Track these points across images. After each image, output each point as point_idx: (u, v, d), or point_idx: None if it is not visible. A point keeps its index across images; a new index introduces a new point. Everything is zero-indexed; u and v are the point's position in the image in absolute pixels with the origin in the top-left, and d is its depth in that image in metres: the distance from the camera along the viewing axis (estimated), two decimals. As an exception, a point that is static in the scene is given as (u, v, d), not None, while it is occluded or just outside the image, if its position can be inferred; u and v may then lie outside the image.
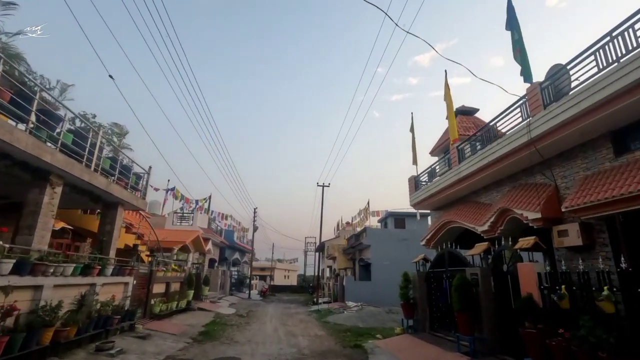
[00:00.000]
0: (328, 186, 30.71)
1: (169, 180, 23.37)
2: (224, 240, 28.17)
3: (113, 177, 9.26)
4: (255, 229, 30.80)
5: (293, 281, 72.16)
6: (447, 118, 10.35)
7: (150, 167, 11.32)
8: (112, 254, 9.70)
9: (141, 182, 11.00)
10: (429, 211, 26.84)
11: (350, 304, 20.12)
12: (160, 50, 29.20)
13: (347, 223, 48.56)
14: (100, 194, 8.85)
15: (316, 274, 51.61)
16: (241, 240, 34.13)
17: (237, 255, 31.66)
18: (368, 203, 24.30)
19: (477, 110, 12.28)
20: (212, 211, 31.42)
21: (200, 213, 24.53)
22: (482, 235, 8.47)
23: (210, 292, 23.51)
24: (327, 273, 51.69)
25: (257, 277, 50.41)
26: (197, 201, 24.99)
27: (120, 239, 11.94)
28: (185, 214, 22.47)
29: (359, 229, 27.56)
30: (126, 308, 9.84)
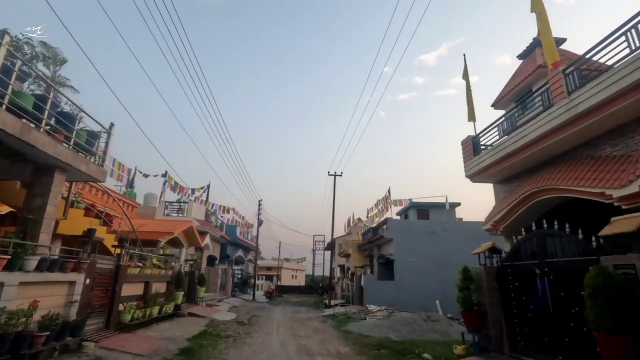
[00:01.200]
0: (340, 175, 27.60)
1: (166, 172, 20.43)
2: (225, 236, 25.15)
3: (40, 126, 6.18)
4: (260, 223, 27.79)
5: (301, 281, 69.02)
6: (538, 37, 7.20)
7: (112, 125, 8.24)
8: (47, 239, 6.64)
9: (97, 143, 7.91)
10: (458, 201, 23.57)
11: (371, 307, 16.90)
12: (161, 31, 26.36)
13: (359, 219, 45.40)
14: (13, 144, 5.78)
15: (328, 273, 48.41)
16: (245, 236, 31.11)
17: (240, 253, 28.65)
18: (389, 191, 21.09)
19: (564, 40, 9.03)
20: (213, 204, 28.47)
21: (200, 203, 21.54)
22: (615, 204, 5.23)
23: (208, 293, 20.48)
24: (338, 273, 48.52)
25: (263, 277, 47.38)
26: (193, 190, 21.99)
27: (77, 223, 8.92)
28: (181, 203, 19.48)
29: (376, 222, 24.33)
30: (70, 319, 6.79)
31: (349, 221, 48.67)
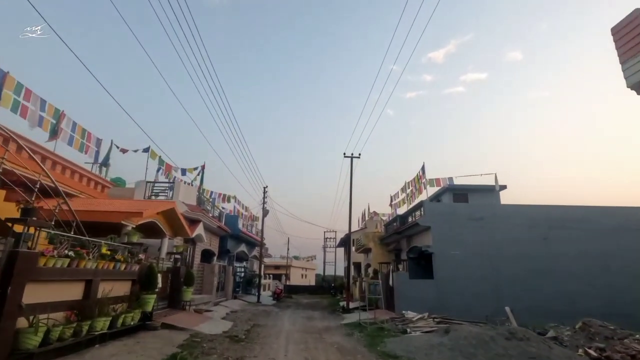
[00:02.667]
0: (358, 157, 23.59)
1: (148, 147, 16.72)
2: (224, 227, 21.40)
3: None
4: (265, 212, 24.01)
5: (311, 281, 65.18)
6: None
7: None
8: None
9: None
10: (503, 184, 19.28)
11: (409, 314, 12.90)
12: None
13: (374, 212, 41.42)
14: None
15: (341, 271, 44.48)
16: (248, 229, 27.35)
17: (243, 248, 24.91)
18: (423, 169, 17.01)
19: None
20: (212, 192, 24.81)
21: (191, 184, 17.80)
22: None
23: (201, 295, 16.73)
24: (352, 271, 44.50)
25: (271, 276, 43.64)
26: (183, 170, 18.26)
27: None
28: (170, 184, 15.69)
29: (402, 209, 20.30)
30: None
31: (363, 215, 44.66)
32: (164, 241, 13.61)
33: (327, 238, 57.12)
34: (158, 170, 17.79)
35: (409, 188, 19.27)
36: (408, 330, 10.89)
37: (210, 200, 22.78)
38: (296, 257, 63.80)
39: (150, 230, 12.72)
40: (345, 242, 43.68)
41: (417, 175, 17.47)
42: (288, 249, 53.51)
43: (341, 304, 27.31)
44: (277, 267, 57.68)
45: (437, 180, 16.64)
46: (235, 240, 24.67)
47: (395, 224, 20.98)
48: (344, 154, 23.84)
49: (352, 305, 23.52)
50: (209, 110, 16.27)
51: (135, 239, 10.11)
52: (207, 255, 20.20)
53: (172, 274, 13.12)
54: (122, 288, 8.95)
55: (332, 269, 61.59)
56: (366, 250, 24.99)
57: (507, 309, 11.55)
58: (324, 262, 56.63)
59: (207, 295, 17.22)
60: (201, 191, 19.21)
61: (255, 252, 30.52)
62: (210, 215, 19.79)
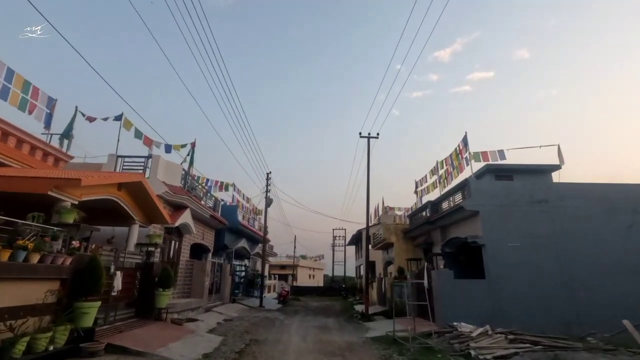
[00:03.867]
0: (377, 137, 20.22)
1: (121, 114, 13.46)
2: (220, 218, 18.12)
3: None
4: (268, 202, 20.66)
5: (319, 281, 61.79)
6: None
7: None
8: None
9: None
10: (556, 163, 15.63)
11: (465, 328, 9.43)
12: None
13: (389, 207, 37.95)
14: None
15: (352, 271, 41.01)
16: (250, 222, 24.06)
17: (243, 244, 21.62)
18: (465, 140, 13.42)
19: None
20: (208, 179, 21.58)
21: (183, 162, 14.50)
22: None
23: (189, 298, 13.47)
24: (362, 271, 40.95)
25: (276, 276, 40.33)
26: (168, 146, 15.00)
27: None
28: (146, 159, 12.38)
29: (431, 195, 16.78)
30: None
31: (376, 210, 41.18)
32: (132, 229, 10.34)
33: (336, 236, 53.74)
34: (155, 149, 14.49)
35: (442, 168, 15.75)
36: (472, 352, 7.43)
37: (205, 187, 19.54)
38: (303, 257, 60.46)
39: (112, 213, 9.47)
40: (358, 239, 40.12)
41: (456, 149, 13.93)
42: (295, 247, 50.16)
43: (356, 307, 23.90)
44: (283, 266, 54.39)
45: (484, 154, 13.07)
46: (234, 234, 21.37)
47: (424, 212, 17.48)
48: (360, 133, 20.47)
49: (370, 310, 20.16)
50: (206, 80, 12.94)
51: (72, 218, 6.81)
52: (198, 251, 16.92)
53: (142, 272, 9.84)
54: (36, 292, 5.66)
55: (341, 269, 58.19)
56: (386, 246, 21.53)
57: (626, 322, 7.99)
58: (333, 262, 53.21)
59: (197, 298, 13.92)
60: (190, 172, 15.93)
61: (258, 249, 27.18)
62: (203, 203, 16.51)
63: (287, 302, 24.39)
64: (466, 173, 14.25)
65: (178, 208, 13.41)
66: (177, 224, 12.62)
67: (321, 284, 59.54)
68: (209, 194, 18.30)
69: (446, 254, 14.56)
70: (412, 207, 21.80)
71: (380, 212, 39.15)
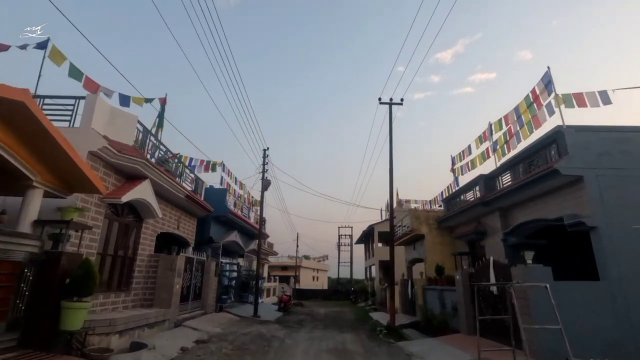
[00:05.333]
0: (400, 103, 16.12)
1: (47, 39, 9.35)
2: (203, 203, 14.02)
3: None
4: (266, 184, 16.46)
5: (323, 283, 57.53)
6: None
7: None
8: None
9: None
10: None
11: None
12: None
13: (405, 200, 33.80)
14: None
15: (370, 272, 36.84)
16: (244, 212, 19.91)
17: (235, 238, 17.49)
18: (547, 77, 9.16)
19: None
20: (191, 159, 17.48)
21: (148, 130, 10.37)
22: None
23: (149, 309, 9.35)
24: (374, 272, 36.68)
25: (277, 278, 36.07)
26: (125, 98, 10.86)
27: None
28: (75, 98, 8.27)
29: (476, 171, 12.58)
30: None
31: (387, 205, 37.04)
32: (29, 196, 6.21)
33: (342, 235, 49.45)
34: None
35: (498, 130, 11.55)
36: None
37: (187, 167, 15.41)
38: (306, 257, 56.21)
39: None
40: (368, 236, 35.63)
41: (529, 96, 9.71)
42: (297, 246, 45.95)
43: (372, 315, 19.73)
44: (284, 267, 50.22)
45: (579, 96, 8.85)
46: (223, 225, 17.24)
47: (470, 193, 13.29)
48: (379, 99, 16.35)
49: (380, 314, 16.07)
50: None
51: None
52: (172, 244, 12.79)
53: (37, 270, 5.71)
54: None
55: (346, 271, 53.79)
56: (411, 240, 17.32)
57: None
58: (339, 262, 48.86)
59: (160, 309, 9.77)
60: (158, 136, 11.85)
61: (255, 245, 23.00)
62: (178, 181, 12.39)
63: (289, 309, 20.20)
64: (542, 130, 10.03)
65: (132, 178, 9.30)
66: (126, 199, 8.49)
67: (326, 287, 55.29)
68: (184, 170, 14.17)
69: (513, 246, 10.36)
70: (443, 194, 17.59)
71: (395, 206, 35.01)
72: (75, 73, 9.35)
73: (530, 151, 9.69)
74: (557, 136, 8.42)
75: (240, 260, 21.14)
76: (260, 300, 21.57)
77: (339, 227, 48.56)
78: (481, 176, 11.96)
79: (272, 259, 49.62)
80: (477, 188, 12.21)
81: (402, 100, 16.21)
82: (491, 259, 9.06)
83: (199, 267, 13.46)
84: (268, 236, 24.49)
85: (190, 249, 14.19)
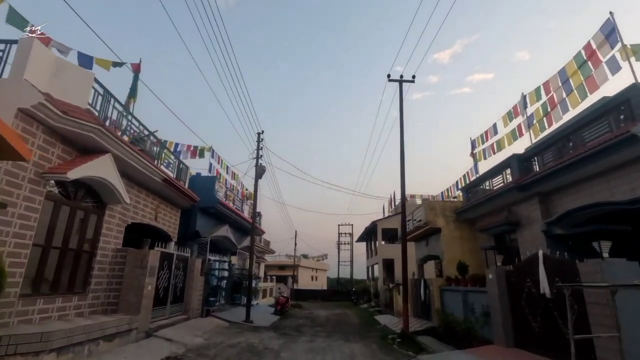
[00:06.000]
0: (412, 81, 14.30)
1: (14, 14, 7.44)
2: (186, 190, 12.10)
3: None
4: (260, 171, 14.48)
5: (323, 284, 55.64)
6: None
7: None
8: None
9: None
10: None
11: None
12: None
13: (410, 195, 31.96)
14: None
15: (372, 272, 35.04)
16: (236, 204, 17.99)
17: (226, 232, 15.59)
18: (611, 22, 7.38)
19: None
20: (177, 144, 15.61)
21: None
22: None
23: (113, 315, 7.41)
24: (375, 271, 34.79)
25: (273, 277, 34.13)
26: (86, 57, 8.95)
27: None
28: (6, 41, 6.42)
29: (502, 154, 10.73)
30: None
31: (391, 200, 35.17)
32: None
33: (343, 233, 47.55)
34: None
35: (534, 102, 9.70)
36: None
37: (168, 150, 13.47)
38: (305, 256, 54.30)
39: None
40: (371, 233, 33.61)
41: (586, 48, 7.85)
42: (295, 244, 44.06)
43: (377, 318, 17.87)
44: (282, 267, 48.29)
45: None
46: (211, 218, 15.34)
47: (497, 178, 11.42)
48: (388, 76, 14.50)
49: (392, 320, 14.33)
50: None
51: None
52: (145, 237, 10.85)
53: None
54: None
55: (346, 270, 51.85)
56: (424, 236, 15.48)
57: None
58: (339, 262, 46.94)
59: (125, 315, 7.85)
60: (130, 108, 9.95)
61: (247, 242, 21.09)
62: (157, 164, 10.47)
63: (287, 312, 18.32)
64: (597, 95, 8.18)
65: (87, 152, 7.38)
66: (75, 176, 6.59)
67: (325, 287, 53.39)
68: (169, 157, 12.28)
69: (556, 238, 8.51)
70: (459, 184, 15.74)
71: (397, 202, 33.14)
72: (15, 19, 7.42)
73: (584, 120, 7.83)
74: (631, 94, 6.55)
75: (233, 259, 19.21)
76: (254, 302, 19.66)
77: (339, 225, 46.71)
78: (514, 156, 10.09)
79: (269, 258, 47.66)
80: (509, 171, 10.35)
81: (413, 77, 14.36)
82: (540, 252, 7.19)
83: (181, 265, 11.55)
84: (264, 232, 22.60)
85: (173, 244, 12.30)
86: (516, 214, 10.25)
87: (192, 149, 15.63)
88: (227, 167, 16.90)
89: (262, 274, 30.13)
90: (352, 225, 46.13)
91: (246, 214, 20.00)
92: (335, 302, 35.02)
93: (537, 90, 9.59)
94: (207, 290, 13.27)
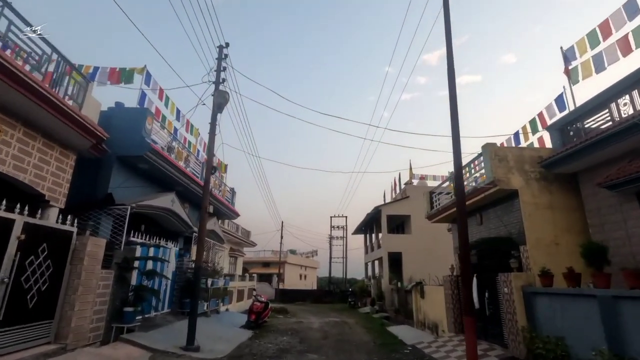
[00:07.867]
0: None
1: None
2: (74, 111, 6.53)
3: None
4: (220, 98, 8.90)
5: (312, 283, 50.20)
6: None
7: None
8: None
9: None
10: None
11: None
12: None
13: (421, 176, 26.96)
14: None
15: (373, 268, 29.79)
16: (193, 171, 12.40)
17: (168, 204, 10.09)
18: None
19: None
20: (96, 67, 9.98)
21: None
22: None
23: None
24: (376, 268, 29.58)
25: (255, 275, 28.40)
26: None
27: None
28: None
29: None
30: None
31: (394, 184, 29.98)
32: None
33: (335, 226, 42.12)
34: None
35: None
36: None
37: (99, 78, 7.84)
38: (292, 251, 48.74)
39: None
40: (373, 221, 27.43)
41: None
42: (282, 237, 38.53)
43: (391, 330, 12.59)
44: (266, 264, 42.75)
45: None
46: (139, 177, 9.78)
47: (622, 100, 6.22)
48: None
49: (408, 330, 9.12)
50: None
51: None
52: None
53: None
54: None
55: (338, 268, 46.66)
56: (478, 208, 10.18)
57: None
58: (330, 258, 41.52)
59: None
60: None
61: (215, 225, 15.47)
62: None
63: (264, 324, 12.91)
64: None
65: None
66: None
67: (315, 287, 48.05)
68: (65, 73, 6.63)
69: None
70: (537, 121, 10.46)
71: (403, 185, 28.00)
72: None
73: None
74: None
75: (194, 250, 13.57)
76: (223, 308, 14.13)
77: (331, 217, 41.31)
78: None
79: (251, 254, 42.00)
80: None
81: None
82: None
83: (50, 248, 5.98)
84: (237, 214, 17.04)
85: (53, 211, 6.75)
86: None
87: (116, 71, 10.00)
88: (176, 108, 11.27)
89: (237, 271, 24.52)
90: (346, 217, 40.80)
91: (217, 192, 14.37)
92: (328, 304, 29.71)
93: None
94: (119, 294, 7.69)
